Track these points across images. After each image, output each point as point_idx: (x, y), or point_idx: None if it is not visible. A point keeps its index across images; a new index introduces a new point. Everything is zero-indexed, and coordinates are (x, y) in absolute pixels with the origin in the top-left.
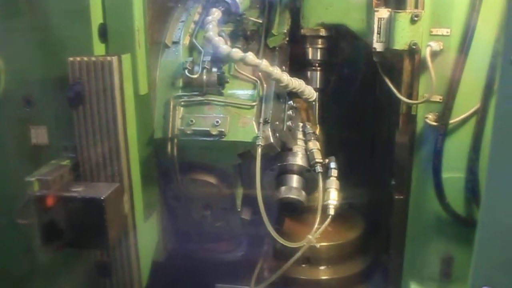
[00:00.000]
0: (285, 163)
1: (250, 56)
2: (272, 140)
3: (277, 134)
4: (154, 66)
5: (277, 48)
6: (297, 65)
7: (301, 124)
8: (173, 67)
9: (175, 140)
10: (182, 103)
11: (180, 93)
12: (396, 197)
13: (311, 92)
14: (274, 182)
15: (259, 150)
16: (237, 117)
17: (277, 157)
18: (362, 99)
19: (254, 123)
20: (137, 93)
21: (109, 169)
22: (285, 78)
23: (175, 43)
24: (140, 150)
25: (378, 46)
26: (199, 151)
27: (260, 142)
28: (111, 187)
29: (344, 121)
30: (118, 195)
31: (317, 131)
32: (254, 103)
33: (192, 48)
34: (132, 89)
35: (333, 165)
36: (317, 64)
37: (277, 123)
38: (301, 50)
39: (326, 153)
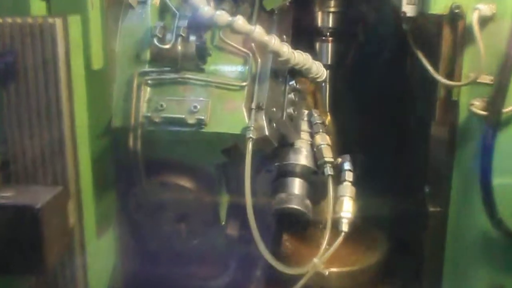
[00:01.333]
0: (284, 163)
1: (240, 21)
2: (267, 132)
3: (274, 124)
4: (113, 33)
5: (276, 12)
6: (303, 34)
7: (306, 112)
8: (138, 35)
9: (140, 131)
10: (150, 81)
11: (146, 68)
12: (431, 209)
13: (319, 70)
14: (270, 187)
15: (250, 145)
16: (222, 101)
17: (274, 154)
18: (387, 80)
19: (244, 109)
20: (89, 67)
21: (50, 168)
22: (286, 50)
23: (142, 2)
24: (92, 143)
25: (408, 9)
26: (171, 146)
27: (252, 134)
28: (51, 192)
29: (363, 108)
30: (60, 203)
31: (327, 121)
32: (244, 83)
33: (164, 10)
34: (82, 62)
35: (347, 166)
36: (328, 34)
37: (274, 109)
38: (308, 14)
39: (338, 150)
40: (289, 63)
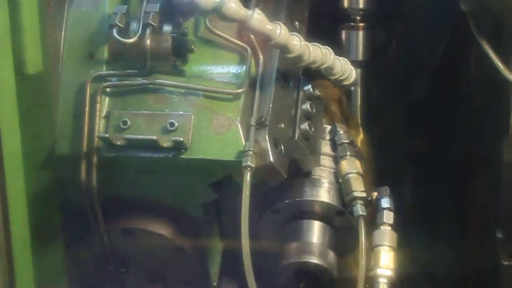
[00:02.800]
0: (297, 200)
1: (231, 4)
2: (272, 158)
3: (283, 147)
4: (57, 24)
5: None
6: (323, 19)
7: (328, 128)
8: (91, 25)
9: (95, 159)
10: (108, 89)
11: (104, 71)
12: (505, 262)
13: (346, 69)
14: (278, 234)
15: (249, 176)
16: (209, 116)
17: (283, 188)
18: (444, 84)
19: (239, 126)
20: (20, 72)
21: None
22: (297, 43)
23: None
24: (28, 176)
25: None
26: (138, 178)
27: (250, 161)
28: None
29: (409, 121)
30: None
31: (359, 140)
32: (240, 90)
33: None
34: (11, 64)
35: (386, 203)
36: (359, 18)
37: (282, 126)
38: None
39: (374, 181)
40: (302, 61)
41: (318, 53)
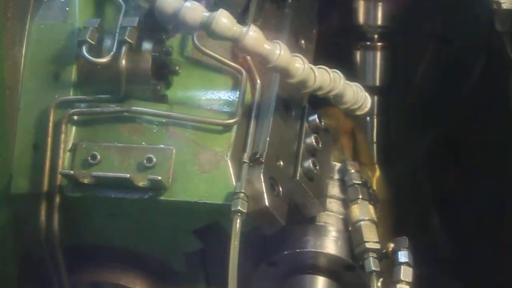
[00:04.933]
0: (299, 251)
1: (223, 19)
2: (267, 202)
3: (281, 188)
4: (16, 39)
5: (288, 2)
6: (335, 38)
7: (337, 166)
8: (57, 41)
9: (58, 200)
10: (76, 117)
11: (71, 95)
12: None
13: (360, 97)
14: None
15: (238, 223)
16: (194, 150)
17: (281, 237)
18: (479, 114)
19: (229, 163)
20: None
21: None
22: (300, 66)
23: None
24: None
25: None
26: (109, 224)
27: (241, 206)
28: None
29: (437, 160)
30: None
31: (375, 181)
32: (231, 120)
33: (101, 0)
34: None
35: (403, 257)
36: (376, 36)
37: (281, 163)
38: (342, 6)
39: (393, 230)
40: (307, 87)
41: (326, 78)
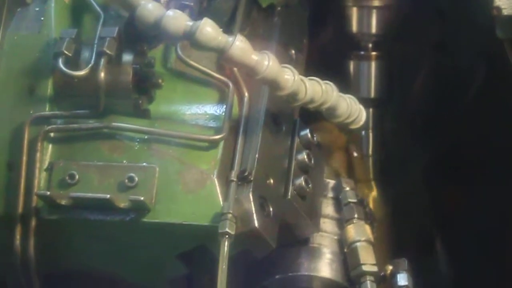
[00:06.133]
0: (291, 275)
1: (207, 28)
2: (256, 223)
3: (271, 208)
4: None
5: (278, 10)
6: (327, 47)
7: (331, 183)
8: (32, 53)
9: (33, 222)
10: (52, 134)
11: (46, 110)
12: None
13: (354, 109)
14: None
15: (226, 245)
16: (179, 169)
17: (273, 260)
18: (482, 127)
19: (216, 181)
20: None
21: None
22: (289, 78)
23: None
24: None
25: (505, 4)
26: (88, 248)
27: (229, 227)
28: None
29: (438, 176)
30: None
31: (371, 199)
32: (218, 136)
33: (78, 8)
34: None
35: (403, 279)
36: (371, 45)
37: (271, 181)
38: (335, 15)
39: (391, 251)
40: (297, 99)
41: (317, 90)
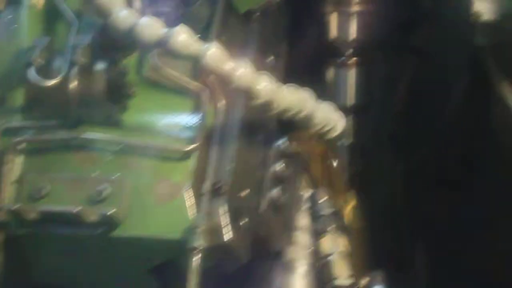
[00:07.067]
0: None
1: (182, 35)
2: (227, 237)
3: (245, 222)
4: None
5: (255, 16)
6: (305, 54)
7: (306, 194)
8: (2, 62)
9: (1, 237)
10: (22, 146)
11: (18, 122)
12: None
13: (331, 118)
14: None
15: (197, 260)
16: (150, 181)
17: (245, 274)
18: (464, 135)
19: (188, 194)
20: None
21: None
22: (265, 85)
23: (14, 3)
24: None
25: (484, 8)
26: (58, 263)
27: (199, 241)
28: None
29: (419, 185)
30: None
31: (347, 210)
32: (190, 147)
33: (51, 16)
34: None
35: None
36: (351, 52)
37: (245, 193)
38: (313, 19)
39: (367, 264)
40: (272, 108)
41: (293, 98)
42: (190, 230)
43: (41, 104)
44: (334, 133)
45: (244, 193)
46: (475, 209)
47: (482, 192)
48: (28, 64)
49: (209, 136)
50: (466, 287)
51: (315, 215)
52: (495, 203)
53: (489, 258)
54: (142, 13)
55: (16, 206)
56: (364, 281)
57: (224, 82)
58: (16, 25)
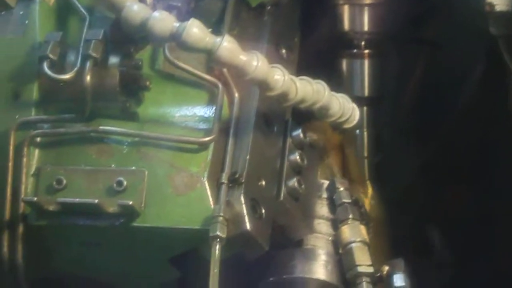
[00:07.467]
0: (285, 277)
1: (194, 29)
2: (248, 226)
3: (263, 210)
4: None
5: (268, 9)
6: (320, 46)
7: (325, 183)
8: (16, 57)
9: (20, 229)
10: (38, 139)
11: (32, 115)
12: None
13: (346, 109)
14: None
15: (217, 249)
16: (168, 172)
17: (266, 262)
18: (479, 125)
19: (207, 184)
20: None
21: None
22: (280, 78)
23: None
24: None
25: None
26: (77, 254)
27: (220, 230)
28: None
29: (435, 175)
30: None
31: (368, 199)
32: (208, 138)
33: (62, 11)
34: None
35: (399, 280)
36: (364, 43)
37: (264, 183)
38: (326, 13)
39: (387, 252)
40: (288, 100)
41: (308, 90)
42: (211, 220)
43: (56, 98)
44: (350, 124)
45: (262, 183)
46: (493, 197)
47: (498, 181)
48: (41, 59)
49: (225, 128)
50: (481, 274)
51: (334, 204)
52: (511, 191)
53: (505, 247)
54: (154, 7)
55: (34, 198)
56: (385, 269)
57: (238, 74)
58: (28, 21)
